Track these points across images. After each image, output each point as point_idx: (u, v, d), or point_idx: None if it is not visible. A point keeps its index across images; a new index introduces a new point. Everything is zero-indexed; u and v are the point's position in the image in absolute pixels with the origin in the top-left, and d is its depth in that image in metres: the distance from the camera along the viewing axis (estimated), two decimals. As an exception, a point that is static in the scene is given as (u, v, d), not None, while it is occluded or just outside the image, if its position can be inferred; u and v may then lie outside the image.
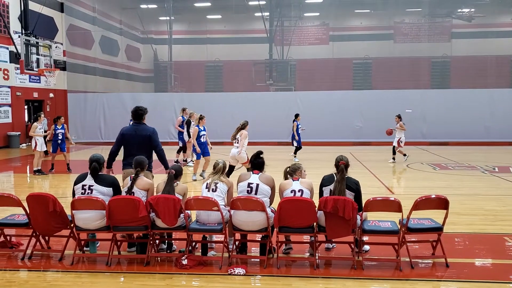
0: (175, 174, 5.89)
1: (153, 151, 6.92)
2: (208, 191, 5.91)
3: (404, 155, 15.51)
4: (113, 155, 6.88)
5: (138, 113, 6.93)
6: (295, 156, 16.18)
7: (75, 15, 26.35)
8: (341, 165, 5.72)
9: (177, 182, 5.96)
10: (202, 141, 11.96)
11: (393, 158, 15.52)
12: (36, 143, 13.19)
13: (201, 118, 12.11)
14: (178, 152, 15.30)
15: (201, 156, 12.00)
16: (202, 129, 11.98)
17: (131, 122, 7.17)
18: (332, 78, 27.87)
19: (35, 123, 13.42)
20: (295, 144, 16.37)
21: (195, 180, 11.89)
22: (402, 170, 13.84)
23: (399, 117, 15.59)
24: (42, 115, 14.08)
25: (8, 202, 6.14)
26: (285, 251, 6.09)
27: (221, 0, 30.08)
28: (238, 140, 10.92)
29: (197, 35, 31.44)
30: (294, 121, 16.44)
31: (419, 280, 5.20)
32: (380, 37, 29.22)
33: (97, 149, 20.54)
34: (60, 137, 13.46)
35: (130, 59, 31.48)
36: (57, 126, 13.50)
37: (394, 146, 15.53)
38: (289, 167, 6.16)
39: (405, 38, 29.07)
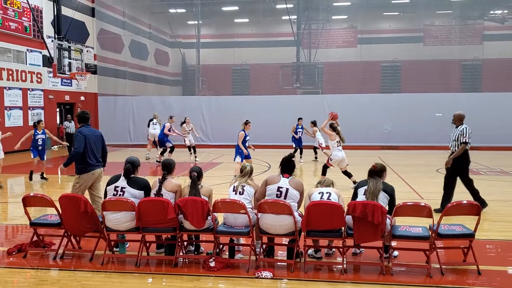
0: (197, 175, 5.92)
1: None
2: (235, 194, 5.93)
3: (316, 159, 16.77)
4: (77, 156, 7.01)
5: (85, 116, 7.31)
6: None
7: (106, 20, 26.90)
8: (374, 168, 5.77)
9: (201, 184, 6.00)
10: (246, 145, 12.00)
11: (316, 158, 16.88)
12: None
13: (246, 123, 11.98)
14: (162, 154, 16.21)
15: (243, 159, 11.99)
16: (247, 134, 11.98)
17: (81, 125, 7.28)
18: (360, 81, 27.64)
19: None
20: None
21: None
22: (432, 175, 13.57)
23: (312, 123, 16.36)
24: None
25: (41, 203, 6.35)
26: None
27: (249, 4, 30.22)
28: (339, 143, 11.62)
29: (225, 39, 31.65)
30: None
31: (449, 287, 5.10)
32: (409, 40, 28.89)
33: (126, 151, 20.88)
34: (40, 143, 12.14)
35: (158, 63, 31.93)
36: (37, 131, 12.09)
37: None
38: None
39: (434, 41, 28.63)
